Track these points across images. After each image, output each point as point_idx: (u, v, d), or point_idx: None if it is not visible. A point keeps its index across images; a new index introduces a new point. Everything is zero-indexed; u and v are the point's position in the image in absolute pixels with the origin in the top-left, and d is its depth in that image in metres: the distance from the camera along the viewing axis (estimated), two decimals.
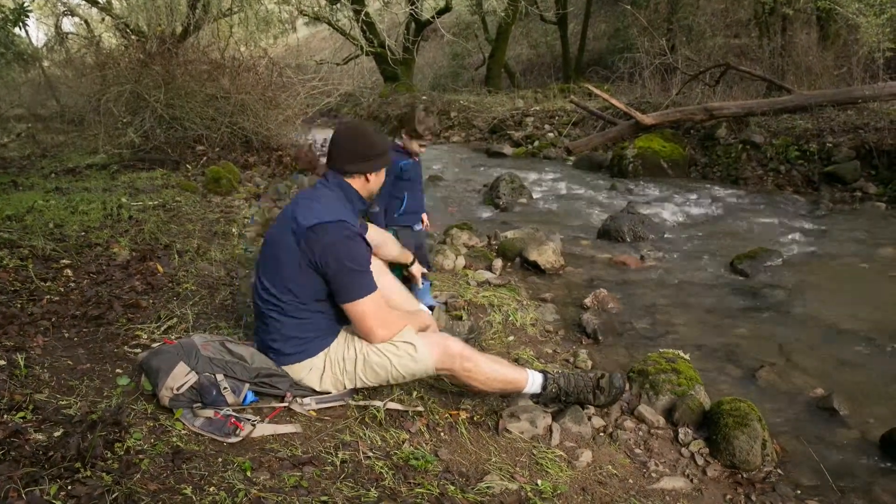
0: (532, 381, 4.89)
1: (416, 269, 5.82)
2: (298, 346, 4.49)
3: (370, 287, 4.45)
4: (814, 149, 13.89)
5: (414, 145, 6.35)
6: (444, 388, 5.08)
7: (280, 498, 3.36)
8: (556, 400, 5.00)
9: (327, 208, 4.39)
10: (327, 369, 4.55)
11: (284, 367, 4.52)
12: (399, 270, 5.98)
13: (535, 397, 4.98)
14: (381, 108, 28.08)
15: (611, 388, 5.01)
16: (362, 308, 4.42)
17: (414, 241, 6.49)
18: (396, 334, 4.59)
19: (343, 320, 4.65)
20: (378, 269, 5.14)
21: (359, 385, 4.66)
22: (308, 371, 4.54)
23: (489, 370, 4.70)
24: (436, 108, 25.88)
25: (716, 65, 19.93)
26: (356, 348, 4.56)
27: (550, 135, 20.68)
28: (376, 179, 4.74)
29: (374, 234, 5.32)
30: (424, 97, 27.25)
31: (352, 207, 4.64)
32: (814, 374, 6.05)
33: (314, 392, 4.58)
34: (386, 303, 4.87)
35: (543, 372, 5.01)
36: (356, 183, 4.64)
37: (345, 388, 4.64)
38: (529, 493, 3.93)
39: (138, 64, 13.38)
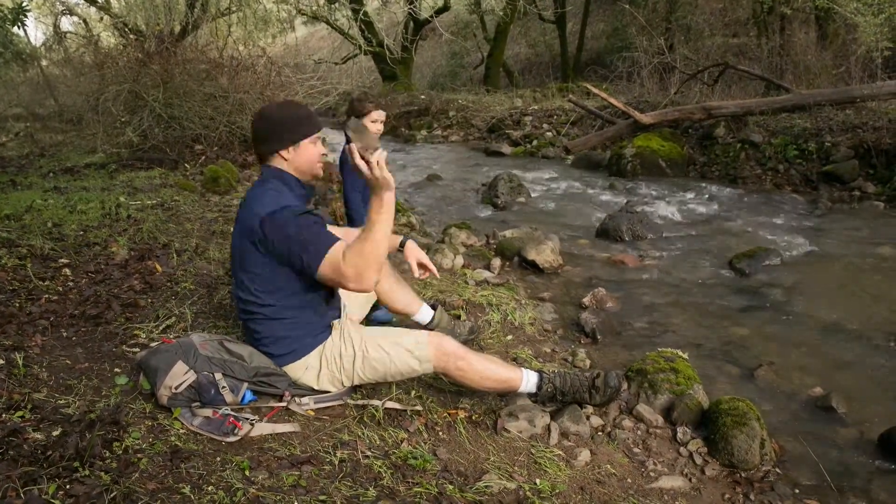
0: (527, 380, 4.89)
1: (411, 252, 5.56)
2: (290, 346, 4.48)
3: (328, 242, 4.15)
4: (812, 148, 13.89)
5: (370, 126, 6.30)
6: (442, 387, 5.08)
7: (278, 497, 3.36)
8: (553, 399, 5.00)
9: (266, 201, 4.28)
10: (324, 367, 4.54)
11: (282, 367, 4.52)
12: None
13: (531, 396, 4.98)
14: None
15: (606, 388, 5.01)
16: (330, 263, 4.10)
17: None
18: (377, 261, 4.16)
19: (334, 314, 4.65)
20: None
21: (357, 382, 4.65)
22: (304, 370, 4.53)
23: (482, 369, 4.69)
24: (425, 102, 25.92)
25: (714, 64, 19.93)
26: (354, 346, 4.55)
27: (549, 134, 20.68)
28: (297, 155, 4.48)
29: (336, 231, 5.14)
30: (423, 96, 27.25)
31: (292, 192, 4.45)
32: (812, 373, 6.05)
33: (313, 391, 4.57)
34: (388, 298, 4.91)
35: (539, 371, 5.00)
36: (281, 164, 4.47)
37: (343, 385, 4.64)
38: (528, 493, 3.93)
39: (137, 63, 13.40)
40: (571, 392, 4.97)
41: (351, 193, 6.51)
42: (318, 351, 4.52)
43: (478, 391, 4.89)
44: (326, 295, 4.65)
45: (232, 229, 4.74)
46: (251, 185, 5.14)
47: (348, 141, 5.90)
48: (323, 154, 4.64)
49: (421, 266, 5.37)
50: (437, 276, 5.62)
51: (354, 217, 6.43)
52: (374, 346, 4.55)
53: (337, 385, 4.62)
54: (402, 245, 5.44)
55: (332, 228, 4.76)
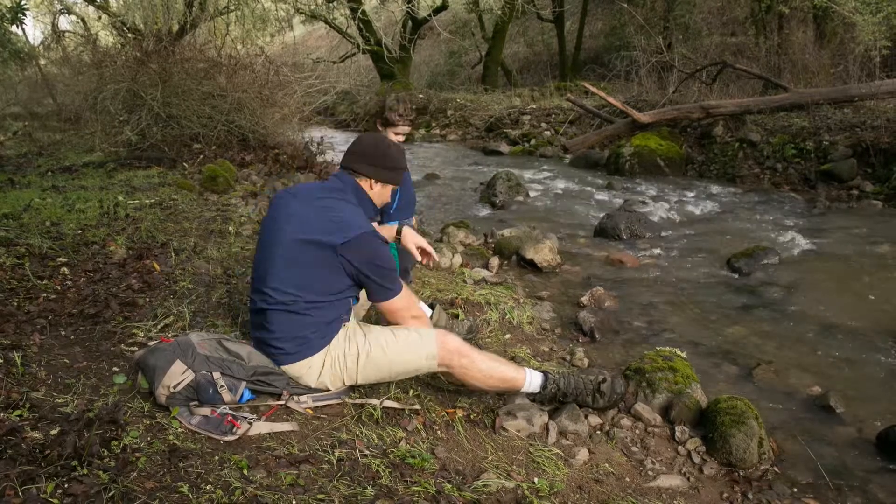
0: (530, 380, 4.88)
1: (410, 238, 5.65)
2: (300, 345, 4.47)
3: (400, 285, 4.63)
4: (810, 147, 13.93)
5: (389, 134, 6.20)
6: (440, 386, 5.08)
7: (277, 496, 3.36)
8: (554, 400, 5.00)
9: (352, 218, 4.44)
10: (326, 367, 4.54)
11: (284, 367, 4.51)
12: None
13: (532, 396, 4.98)
14: (377, 106, 28.04)
15: (612, 394, 5.02)
16: (397, 305, 4.64)
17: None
18: (441, 340, 4.65)
19: (348, 317, 4.68)
20: None
21: (359, 382, 4.65)
22: (307, 369, 4.52)
23: (486, 367, 4.70)
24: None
25: (712, 63, 19.98)
26: (358, 345, 4.56)
27: (547, 133, 20.69)
28: (380, 191, 4.79)
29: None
30: (421, 95, 27.23)
31: (366, 212, 4.69)
32: (810, 371, 6.06)
33: (311, 390, 4.57)
34: None
35: (543, 372, 5.00)
36: (365, 185, 4.70)
37: (344, 385, 4.64)
38: (526, 492, 3.93)
39: (135, 62, 13.37)
40: (574, 394, 4.98)
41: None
42: (324, 351, 4.53)
43: (480, 390, 4.89)
44: (354, 301, 4.78)
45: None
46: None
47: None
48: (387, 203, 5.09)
49: (421, 251, 5.39)
50: (437, 259, 5.68)
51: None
52: (378, 346, 4.56)
53: (338, 384, 4.61)
54: (399, 233, 5.46)
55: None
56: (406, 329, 4.67)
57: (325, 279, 4.39)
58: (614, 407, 5.15)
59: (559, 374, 5.01)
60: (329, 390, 4.61)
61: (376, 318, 5.41)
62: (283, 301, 4.40)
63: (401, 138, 6.33)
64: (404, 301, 4.66)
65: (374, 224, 5.16)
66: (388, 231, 5.49)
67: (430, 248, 5.41)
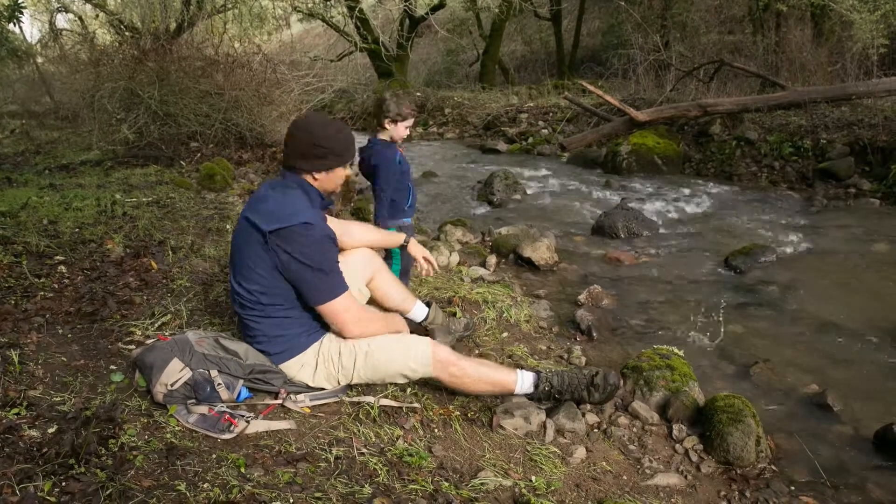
0: (522, 381, 4.90)
1: (417, 250, 5.66)
2: (285, 344, 4.48)
3: (340, 287, 4.43)
4: (808, 145, 13.93)
5: (401, 130, 6.22)
6: (438, 384, 5.08)
7: (274, 494, 3.36)
8: (550, 398, 5.01)
9: (288, 209, 4.32)
10: (320, 365, 4.54)
11: (278, 366, 4.52)
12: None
13: (528, 396, 4.98)
14: (375, 108, 27.95)
15: (605, 385, 5.02)
16: (333, 308, 4.43)
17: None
18: (370, 334, 4.62)
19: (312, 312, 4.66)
20: (369, 262, 5.18)
21: (355, 381, 4.66)
22: (300, 367, 4.53)
23: (476, 374, 4.72)
24: (421, 100, 25.93)
25: (710, 61, 19.99)
26: (354, 345, 4.56)
27: (545, 131, 20.67)
28: (327, 178, 4.58)
29: (333, 224, 5.02)
30: (418, 93, 27.21)
31: (312, 204, 4.51)
32: (808, 370, 6.07)
33: (308, 388, 4.57)
34: (382, 296, 4.94)
35: (535, 371, 5.01)
36: (308, 179, 4.54)
37: (339, 384, 4.64)
38: (523, 490, 3.94)
39: (132, 60, 13.36)
40: (569, 391, 4.98)
41: (380, 196, 6.41)
42: (315, 349, 4.53)
43: (472, 394, 4.89)
44: None
45: (232, 225, 4.73)
46: (244, 186, 5.14)
47: (386, 146, 5.95)
48: (348, 175, 4.76)
49: (426, 261, 5.43)
50: (437, 270, 5.73)
51: (378, 215, 6.37)
52: (378, 347, 4.56)
53: (333, 383, 4.62)
54: (405, 242, 5.49)
55: (331, 221, 4.83)
56: (402, 336, 4.69)
57: (274, 283, 4.38)
58: (610, 399, 5.17)
59: (552, 372, 5.02)
60: (325, 388, 4.61)
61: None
62: (251, 303, 4.43)
63: (408, 131, 6.31)
64: (342, 307, 4.47)
65: (333, 219, 5.16)
66: (395, 238, 5.53)
67: (433, 259, 5.47)
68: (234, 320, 5.39)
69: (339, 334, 4.58)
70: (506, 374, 4.88)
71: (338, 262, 4.49)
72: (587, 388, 5.01)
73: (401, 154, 6.24)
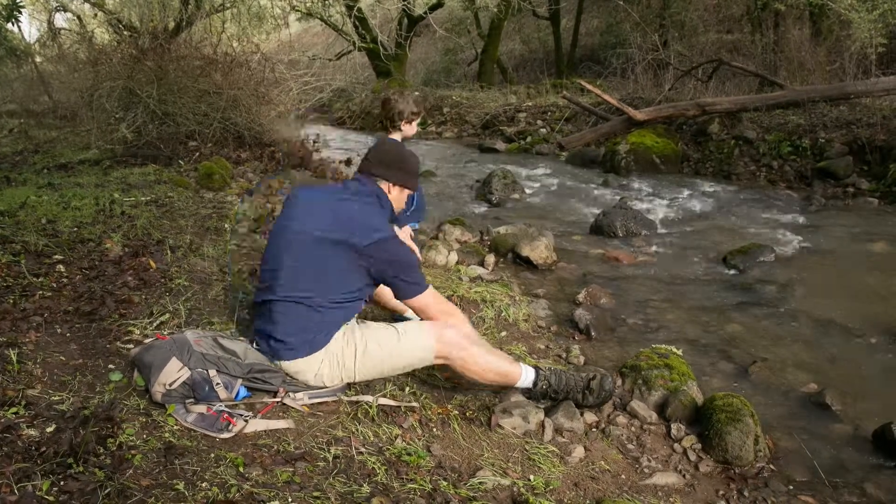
0: (525, 375, 4.92)
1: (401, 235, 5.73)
2: (305, 341, 4.48)
3: (425, 282, 4.67)
4: (806, 144, 13.95)
5: (411, 129, 6.41)
6: (436, 383, 5.09)
7: (272, 493, 3.36)
8: (546, 397, 5.02)
9: (375, 221, 4.56)
10: (325, 364, 4.55)
11: (282, 362, 4.51)
12: None
13: (524, 392, 4.99)
14: (373, 103, 28.02)
15: (600, 391, 5.04)
16: (425, 300, 4.69)
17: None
18: (457, 319, 4.83)
19: (353, 312, 4.70)
20: None
21: (358, 379, 4.68)
22: (306, 365, 4.53)
23: (484, 361, 4.73)
24: (428, 101, 25.91)
25: (708, 60, 20.00)
26: (355, 342, 4.57)
27: (543, 130, 20.66)
28: (398, 195, 4.86)
29: None
30: (417, 92, 27.20)
31: (385, 215, 4.78)
32: (806, 369, 6.07)
33: (308, 387, 4.58)
34: (384, 298, 5.05)
35: (536, 368, 5.02)
36: (385, 188, 4.76)
37: (342, 381, 4.65)
38: (522, 489, 3.94)
39: (131, 59, 13.36)
40: (564, 391, 5.00)
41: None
42: (324, 349, 4.53)
43: (477, 384, 4.90)
44: (364, 304, 4.80)
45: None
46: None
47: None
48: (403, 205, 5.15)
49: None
50: (420, 259, 5.83)
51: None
52: (374, 341, 4.58)
53: (335, 381, 4.63)
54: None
55: None
56: (403, 324, 4.71)
57: (342, 278, 4.44)
58: (603, 405, 5.18)
59: (550, 371, 5.04)
60: (326, 387, 4.62)
61: (373, 315, 5.43)
62: (294, 296, 4.43)
63: (416, 128, 6.42)
64: (432, 296, 4.72)
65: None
66: None
67: (415, 248, 5.52)
68: (234, 319, 5.39)
69: (424, 317, 4.82)
70: (512, 365, 4.92)
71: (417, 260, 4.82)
72: (583, 392, 5.02)
73: None
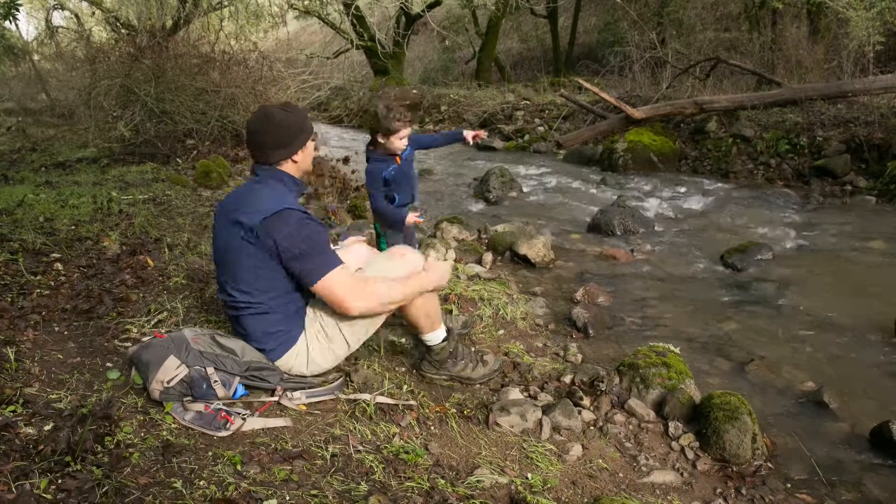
0: (439, 331, 5.10)
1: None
2: (280, 339, 4.50)
3: (332, 263, 4.38)
4: (804, 142, 13.93)
5: (395, 143, 6.03)
6: (434, 382, 5.09)
7: (270, 491, 3.36)
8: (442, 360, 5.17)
9: (267, 200, 4.35)
10: (312, 348, 4.55)
11: (275, 363, 4.53)
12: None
13: (429, 347, 5.17)
14: (371, 101, 27.98)
15: (491, 371, 5.26)
16: (328, 284, 4.34)
17: (404, 234, 6.45)
18: (380, 301, 4.55)
19: (305, 300, 4.68)
20: (369, 257, 5.20)
21: (352, 346, 4.73)
22: (295, 357, 4.54)
23: (431, 302, 4.97)
24: (418, 97, 25.90)
25: (706, 58, 19.98)
26: (329, 312, 4.59)
27: (541, 128, 20.65)
28: (304, 155, 4.64)
29: (359, 256, 5.26)
30: (414, 90, 27.19)
31: (290, 191, 4.57)
32: (804, 367, 6.07)
33: (306, 379, 4.59)
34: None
35: (448, 330, 5.19)
36: (287, 167, 4.59)
37: (335, 357, 4.66)
38: (519, 487, 3.94)
39: (128, 58, 13.38)
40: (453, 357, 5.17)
41: (376, 200, 6.33)
42: (303, 336, 4.54)
43: (406, 317, 5.00)
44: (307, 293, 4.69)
45: (214, 232, 4.70)
46: (240, 183, 5.16)
47: (378, 158, 5.89)
48: (315, 151, 4.74)
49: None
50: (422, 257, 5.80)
51: (385, 214, 6.30)
52: None
53: (330, 359, 4.64)
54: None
55: (358, 253, 5.01)
56: (367, 266, 4.80)
57: (267, 274, 4.39)
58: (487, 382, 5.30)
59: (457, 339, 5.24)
60: (324, 368, 4.63)
61: None
62: (244, 304, 4.45)
63: (405, 140, 6.10)
64: (340, 280, 4.38)
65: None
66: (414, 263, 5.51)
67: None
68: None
69: (344, 314, 4.49)
70: (439, 318, 5.11)
71: (328, 241, 4.50)
72: (476, 363, 5.13)
73: (392, 169, 6.15)
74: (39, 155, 12.76)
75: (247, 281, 4.38)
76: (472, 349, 5.29)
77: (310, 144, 4.67)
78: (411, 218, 6.08)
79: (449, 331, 5.12)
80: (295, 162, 4.59)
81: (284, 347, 4.51)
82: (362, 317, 4.59)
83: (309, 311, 4.63)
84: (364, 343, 4.89)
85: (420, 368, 5.22)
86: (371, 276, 4.69)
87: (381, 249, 6.12)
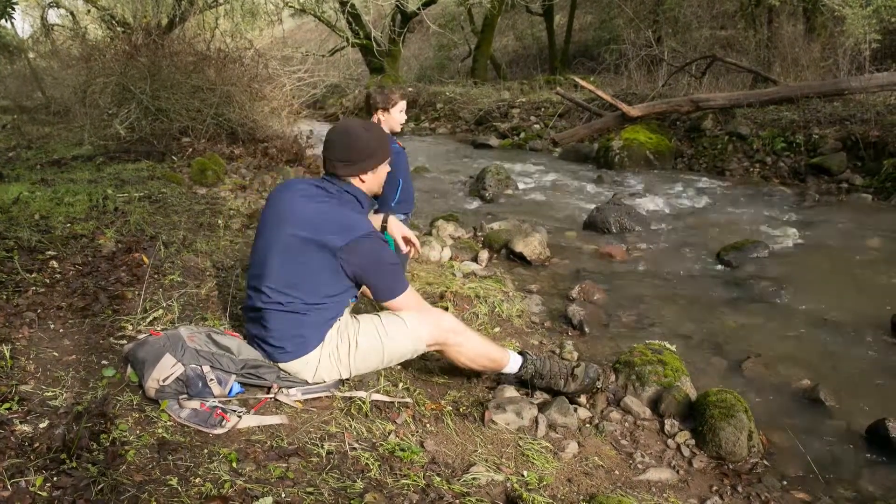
0: (513, 360, 4.99)
1: (396, 228, 5.47)
2: (299, 344, 4.47)
3: (405, 283, 4.60)
4: (800, 140, 13.94)
5: (395, 115, 6.46)
6: (430, 379, 5.09)
7: (266, 489, 3.36)
8: (530, 381, 5.03)
9: (353, 221, 4.42)
10: (323, 361, 4.54)
11: (281, 364, 4.51)
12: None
13: (511, 377, 5.08)
14: (365, 102, 28.04)
15: (584, 377, 5.05)
16: (403, 303, 4.58)
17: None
18: (432, 319, 4.66)
19: (341, 310, 4.66)
20: None
21: (354, 373, 4.66)
22: (305, 365, 4.52)
23: (478, 346, 4.79)
24: (413, 94, 25.97)
25: (702, 56, 19.98)
26: (349, 336, 4.56)
27: (536, 126, 20.69)
28: (373, 178, 4.71)
29: None
30: (410, 88, 27.21)
31: (364, 210, 4.71)
32: (800, 365, 6.07)
33: (305, 383, 4.58)
34: None
35: (522, 353, 5.06)
36: (357, 183, 4.64)
37: (340, 376, 4.65)
38: (515, 485, 3.94)
39: (124, 55, 13.35)
40: (549, 376, 5.02)
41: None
42: (320, 347, 4.53)
43: (468, 368, 4.93)
44: (353, 300, 4.76)
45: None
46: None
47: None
48: (388, 172, 4.91)
49: (406, 241, 5.39)
50: (420, 251, 5.78)
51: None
52: (368, 334, 4.55)
53: (334, 376, 4.63)
54: (384, 222, 5.44)
55: None
56: (395, 314, 4.67)
57: (324, 281, 4.38)
58: (585, 393, 5.17)
59: (536, 356, 5.10)
60: (325, 382, 4.62)
61: (366, 307, 5.43)
62: (280, 301, 4.40)
63: (403, 116, 6.54)
64: (411, 299, 4.62)
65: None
66: (374, 221, 5.47)
67: (415, 239, 5.40)
68: (227, 315, 5.39)
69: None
70: (502, 351, 4.97)
71: (397, 259, 4.65)
72: (566, 378, 5.04)
73: (394, 148, 6.21)
74: (35, 153, 12.72)
75: (296, 279, 4.39)
76: (563, 362, 5.25)
77: (381, 169, 4.75)
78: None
79: (523, 354, 5.11)
80: (362, 181, 4.67)
81: (297, 353, 4.49)
82: (373, 351, 4.59)
83: (334, 329, 4.62)
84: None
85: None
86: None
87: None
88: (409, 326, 4.58)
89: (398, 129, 6.61)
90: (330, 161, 4.60)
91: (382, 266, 4.46)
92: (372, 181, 4.70)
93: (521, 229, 9.48)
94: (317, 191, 4.59)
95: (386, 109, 6.40)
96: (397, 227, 5.41)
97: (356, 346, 4.54)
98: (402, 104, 6.53)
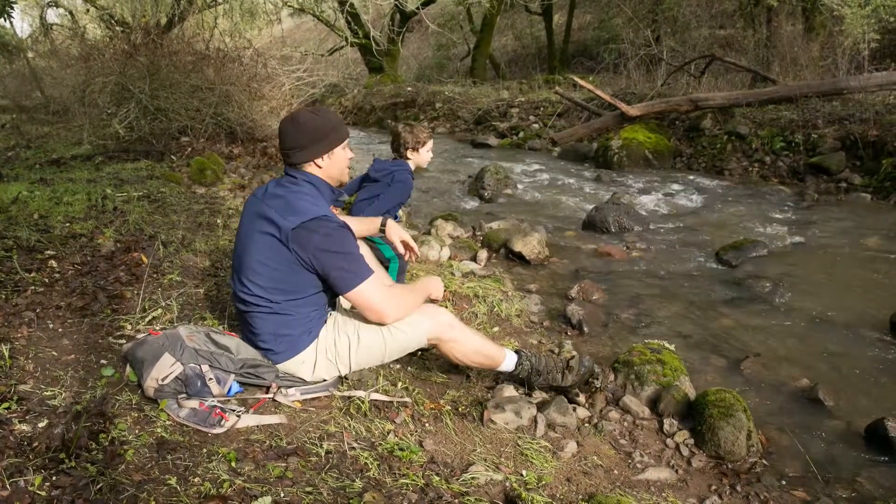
0: (509, 358, 4.97)
1: (394, 232, 5.50)
2: (289, 343, 4.47)
3: (366, 271, 4.39)
4: (799, 140, 13.93)
5: (423, 155, 6.64)
6: (429, 378, 5.09)
7: (265, 488, 3.36)
8: (527, 379, 5.03)
9: (305, 204, 4.33)
10: (320, 358, 4.54)
11: (278, 365, 4.51)
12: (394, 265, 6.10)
13: (507, 375, 5.07)
14: (366, 98, 28.08)
15: (580, 367, 5.07)
16: (365, 293, 4.37)
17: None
18: (411, 310, 4.61)
19: (330, 309, 4.66)
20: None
21: (354, 369, 4.67)
22: (301, 364, 4.52)
23: (474, 343, 4.78)
24: (412, 94, 25.96)
25: (701, 56, 19.95)
26: (347, 333, 4.56)
27: (535, 126, 20.67)
28: (330, 163, 4.59)
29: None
30: (409, 88, 27.21)
31: (324, 198, 4.56)
32: (799, 364, 6.07)
33: (304, 382, 4.57)
34: None
35: (517, 351, 5.06)
36: (314, 171, 4.55)
37: (339, 373, 4.64)
38: (514, 484, 3.94)
39: (123, 55, 13.35)
40: (545, 371, 5.01)
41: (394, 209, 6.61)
42: (314, 344, 4.52)
43: (464, 365, 4.92)
44: (332, 295, 4.69)
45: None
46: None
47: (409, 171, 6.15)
48: (350, 158, 4.77)
49: (405, 246, 5.38)
50: (418, 255, 5.74)
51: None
52: (367, 330, 4.55)
53: (333, 373, 4.63)
54: (383, 226, 5.43)
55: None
56: None
57: (288, 277, 4.35)
58: (584, 383, 5.20)
59: (531, 353, 5.10)
60: (325, 381, 4.62)
61: None
62: (258, 304, 4.41)
63: (430, 155, 6.78)
64: (375, 292, 4.42)
65: (346, 217, 5.19)
66: (372, 224, 5.47)
67: (412, 243, 5.40)
68: (226, 315, 5.39)
69: (379, 322, 4.53)
70: (498, 349, 4.95)
71: (358, 248, 4.48)
72: (562, 371, 5.04)
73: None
74: (34, 152, 12.74)
75: (266, 279, 4.36)
76: (558, 357, 5.25)
77: (339, 151, 4.62)
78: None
79: (518, 353, 5.08)
80: (319, 167, 4.56)
81: (289, 353, 4.49)
82: (375, 346, 4.59)
83: (329, 323, 4.62)
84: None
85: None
86: (393, 286, 4.85)
87: (383, 253, 6.15)
88: (411, 319, 4.57)
89: (424, 167, 6.79)
90: (284, 151, 4.55)
91: (335, 251, 4.30)
92: (330, 166, 4.59)
93: (520, 229, 9.48)
94: (276, 186, 4.55)
95: (416, 150, 6.52)
96: (396, 232, 5.40)
97: (358, 340, 4.54)
98: (430, 143, 6.69)
